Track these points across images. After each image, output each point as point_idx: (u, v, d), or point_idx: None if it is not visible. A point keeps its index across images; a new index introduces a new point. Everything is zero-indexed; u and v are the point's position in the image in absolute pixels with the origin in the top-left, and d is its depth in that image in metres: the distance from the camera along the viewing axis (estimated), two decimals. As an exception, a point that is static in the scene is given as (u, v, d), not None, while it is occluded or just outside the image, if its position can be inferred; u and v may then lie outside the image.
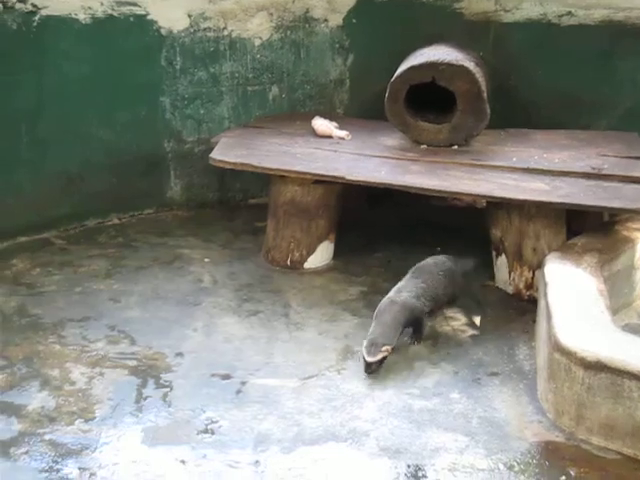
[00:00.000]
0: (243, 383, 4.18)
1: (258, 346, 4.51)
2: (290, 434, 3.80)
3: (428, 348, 4.50)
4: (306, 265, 5.37)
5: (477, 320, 4.77)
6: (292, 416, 3.93)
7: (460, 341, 4.59)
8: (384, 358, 4.20)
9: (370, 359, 4.17)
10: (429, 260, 4.75)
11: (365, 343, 4.21)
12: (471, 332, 4.67)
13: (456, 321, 4.77)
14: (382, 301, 4.45)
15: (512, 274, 5.00)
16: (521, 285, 4.97)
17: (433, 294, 4.56)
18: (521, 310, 4.84)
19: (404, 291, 4.48)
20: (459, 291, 4.80)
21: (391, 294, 4.48)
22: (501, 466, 3.60)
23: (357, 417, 3.93)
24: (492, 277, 5.16)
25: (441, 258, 4.78)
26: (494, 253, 5.12)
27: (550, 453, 3.69)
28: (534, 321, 4.59)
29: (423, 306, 4.49)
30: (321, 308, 4.88)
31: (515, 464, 3.61)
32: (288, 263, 5.37)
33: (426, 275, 4.61)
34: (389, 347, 4.20)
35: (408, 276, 4.61)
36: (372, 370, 4.19)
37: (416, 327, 4.49)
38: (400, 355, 4.40)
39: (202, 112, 6.23)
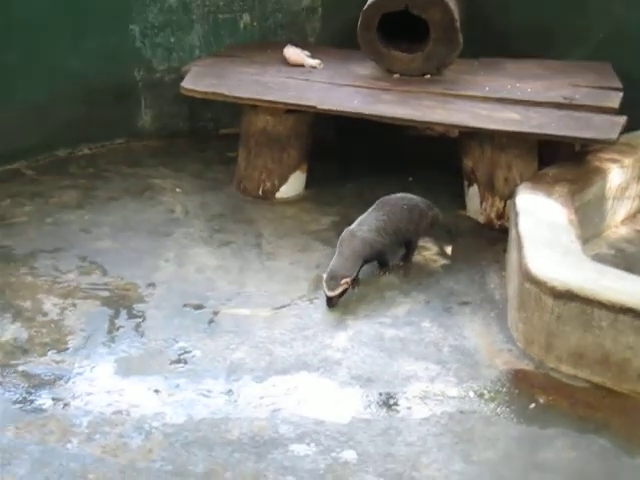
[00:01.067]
0: (215, 313, 4.17)
1: (230, 276, 4.49)
2: (262, 363, 3.80)
3: (399, 278, 4.51)
4: (278, 195, 5.34)
5: (448, 249, 4.77)
6: (264, 345, 3.93)
7: (431, 271, 4.59)
8: (344, 290, 4.19)
9: (330, 293, 4.18)
10: (397, 194, 4.71)
11: (325, 277, 4.21)
12: (442, 262, 4.68)
13: (427, 251, 4.77)
14: (344, 232, 4.43)
15: (484, 204, 4.99)
16: (492, 215, 4.97)
17: (395, 228, 4.51)
18: (492, 240, 4.84)
19: (365, 225, 4.45)
20: (423, 231, 4.72)
21: (353, 226, 4.46)
22: (471, 394, 3.62)
23: (329, 346, 3.93)
24: (464, 207, 5.14)
25: (410, 195, 4.72)
26: (466, 183, 5.09)
27: (519, 381, 3.71)
28: (505, 250, 4.59)
29: (383, 240, 4.45)
30: (293, 238, 4.87)
31: (485, 392, 3.64)
32: (260, 193, 5.33)
33: (389, 208, 4.57)
34: (348, 279, 4.19)
35: (372, 208, 4.58)
36: (333, 303, 4.19)
37: (380, 260, 4.49)
38: (371, 285, 4.41)
39: (172, 40, 6.10)
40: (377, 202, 4.59)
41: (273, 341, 3.96)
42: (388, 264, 4.51)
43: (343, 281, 4.17)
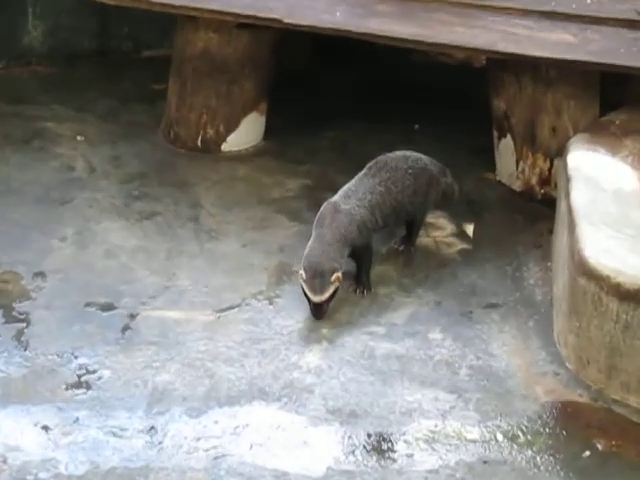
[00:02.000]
0: (132, 316, 4.17)
1: (154, 263, 4.50)
2: (200, 390, 3.79)
3: (398, 269, 4.53)
4: (225, 147, 5.37)
5: (469, 229, 4.80)
6: (203, 364, 3.92)
7: (445, 259, 4.62)
8: (336, 291, 4.21)
9: (318, 298, 4.17)
10: (398, 153, 4.69)
11: (303, 273, 4.19)
12: (460, 246, 4.70)
13: (439, 230, 4.79)
14: (324, 206, 4.42)
15: (520, 164, 5.01)
16: (533, 180, 5.00)
17: (395, 203, 4.52)
18: (532, 215, 4.88)
19: (353, 197, 4.43)
20: (433, 205, 4.74)
21: (337, 197, 4.45)
22: (500, 436, 3.62)
23: (296, 366, 3.93)
24: (492, 168, 5.18)
25: (416, 153, 4.71)
26: (496, 134, 5.12)
27: (569, 418, 3.72)
28: (551, 231, 4.62)
29: (376, 222, 4.45)
30: (246, 210, 4.88)
31: (520, 433, 3.64)
32: (199, 144, 5.36)
33: (387, 174, 4.56)
34: (339, 274, 4.20)
35: (363, 173, 4.57)
36: (323, 312, 4.19)
37: (360, 257, 4.45)
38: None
39: None
40: (370, 164, 4.58)
41: (215, 357, 3.96)
42: (367, 270, 4.46)
43: (334, 277, 4.18)
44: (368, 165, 4.57)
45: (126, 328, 4.11)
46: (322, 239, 4.28)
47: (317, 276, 4.15)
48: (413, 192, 4.56)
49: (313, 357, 3.99)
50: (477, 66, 5.65)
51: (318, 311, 4.18)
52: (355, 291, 4.38)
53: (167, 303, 4.26)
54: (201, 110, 5.31)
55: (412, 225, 4.66)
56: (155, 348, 4.00)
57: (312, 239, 4.31)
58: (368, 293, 4.38)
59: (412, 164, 4.60)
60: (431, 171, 4.64)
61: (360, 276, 4.41)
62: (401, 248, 4.64)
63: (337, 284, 4.18)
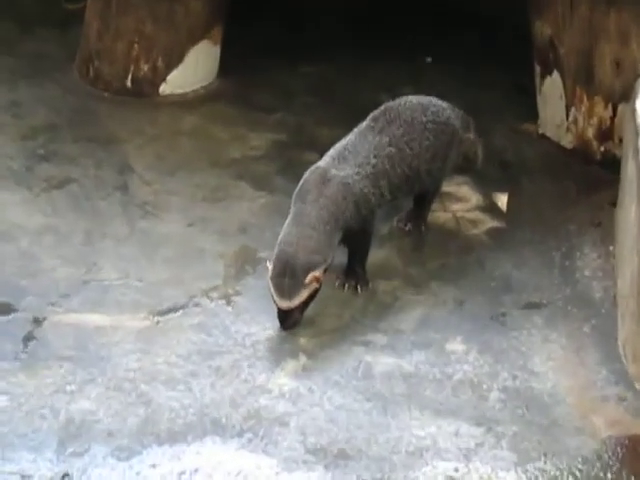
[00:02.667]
0: (38, 322, 4.17)
1: (67, 249, 4.50)
2: (131, 422, 3.79)
3: (404, 256, 4.56)
4: (165, 89, 5.40)
5: (502, 200, 4.80)
6: (135, 386, 3.92)
7: (468, 242, 4.64)
8: (313, 295, 4.22)
9: (286, 303, 4.17)
10: (410, 98, 4.69)
11: (271, 266, 4.18)
12: (490, 224, 4.72)
13: (461, 202, 4.81)
14: (308, 172, 4.42)
15: (572, 111, 5.04)
16: (589, 132, 5.02)
17: (408, 170, 4.53)
18: (588, 182, 4.91)
19: (350, 159, 4.43)
20: (452, 170, 4.77)
21: (326, 161, 4.45)
22: (546, 483, 3.65)
23: (264, 389, 3.94)
24: (533, 116, 5.21)
25: (434, 100, 4.71)
26: (538, 69, 5.15)
27: (638, 458, 3.73)
28: (614, 204, 4.64)
29: (382, 196, 4.46)
30: (194, 175, 4.89)
31: (572, 479, 3.65)
32: (128, 85, 5.39)
33: (397, 127, 4.57)
34: (318, 273, 4.19)
35: (366, 125, 4.57)
36: (293, 321, 4.21)
37: (355, 243, 4.46)
38: (350, 268, 4.45)
39: None
40: (375, 113, 4.58)
41: (153, 378, 3.96)
42: (362, 259, 4.48)
43: (309, 277, 4.17)
44: (372, 115, 4.57)
45: (29, 338, 4.11)
46: (303, 220, 4.27)
47: (287, 274, 4.14)
48: (432, 156, 4.57)
49: (287, 377, 3.99)
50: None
51: (285, 320, 4.18)
52: (344, 286, 4.39)
53: (85, 304, 4.27)
54: (132, 38, 5.33)
55: (424, 198, 4.66)
56: (69, 365, 3.99)
57: (289, 219, 4.30)
58: (363, 289, 4.38)
59: (432, 117, 4.59)
60: (454, 127, 4.65)
61: (353, 267, 4.42)
62: (408, 227, 4.65)
63: (315, 286, 4.18)
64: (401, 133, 4.50)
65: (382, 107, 4.56)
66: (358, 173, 4.36)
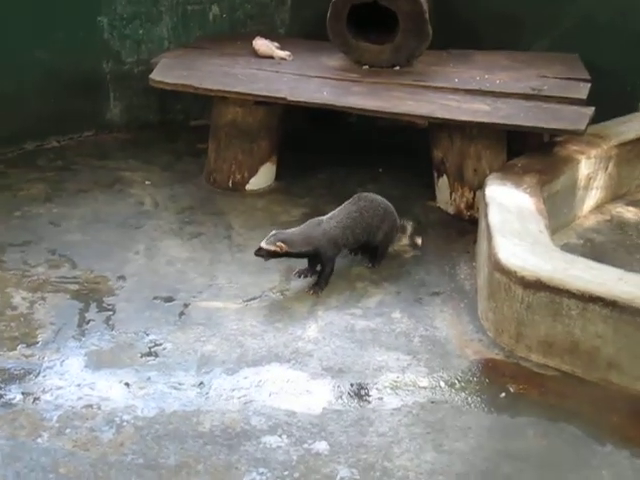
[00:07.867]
0: (186, 305, 4.15)
1: (200, 268, 4.47)
2: (233, 355, 3.78)
3: (370, 269, 4.50)
4: (248, 187, 5.30)
5: (419, 240, 4.74)
6: (235, 338, 3.91)
7: (402, 262, 4.58)
8: (275, 253, 4.18)
9: (263, 244, 4.18)
10: (372, 193, 4.57)
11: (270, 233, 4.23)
12: (413, 252, 4.67)
13: (398, 242, 4.72)
14: (315, 219, 4.40)
15: (453, 195, 4.98)
16: (462, 205, 4.97)
17: (365, 228, 4.41)
18: (462, 230, 4.84)
19: (334, 217, 4.38)
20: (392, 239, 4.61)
21: (325, 216, 4.40)
22: (442, 384, 3.63)
23: (300, 338, 3.92)
24: (434, 198, 5.14)
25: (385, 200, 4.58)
26: (435, 174, 5.08)
27: (490, 370, 3.72)
28: (475, 241, 4.59)
29: (347, 240, 4.36)
30: (263, 230, 4.77)
31: (456, 381, 3.64)
32: (230, 185, 5.30)
33: (364, 204, 4.44)
34: (283, 246, 4.16)
35: (346, 203, 4.47)
36: (260, 254, 4.20)
37: (325, 262, 4.33)
38: (342, 276, 4.40)
39: (141, 32, 6.04)
40: (352, 197, 4.49)
41: (244, 333, 3.94)
42: (326, 277, 4.32)
43: (278, 243, 4.16)
44: (351, 198, 4.48)
45: (181, 314, 4.09)
46: (297, 229, 4.31)
47: (273, 235, 4.18)
48: (379, 222, 4.45)
49: (311, 331, 3.98)
50: (422, 127, 5.61)
51: (258, 251, 4.21)
52: (310, 291, 4.28)
53: (210, 296, 4.24)
54: (231, 162, 5.27)
55: (375, 252, 4.53)
56: (202, 327, 3.99)
57: (299, 228, 4.34)
58: (319, 294, 4.26)
59: (384, 204, 4.50)
60: (394, 211, 4.54)
61: (319, 281, 4.30)
62: (369, 265, 4.51)
63: (278, 249, 4.16)
64: (364, 207, 4.43)
65: (356, 195, 4.51)
66: (336, 226, 4.33)
